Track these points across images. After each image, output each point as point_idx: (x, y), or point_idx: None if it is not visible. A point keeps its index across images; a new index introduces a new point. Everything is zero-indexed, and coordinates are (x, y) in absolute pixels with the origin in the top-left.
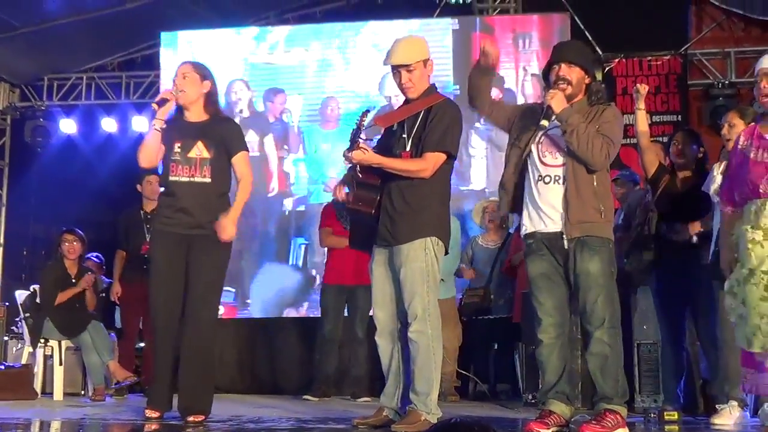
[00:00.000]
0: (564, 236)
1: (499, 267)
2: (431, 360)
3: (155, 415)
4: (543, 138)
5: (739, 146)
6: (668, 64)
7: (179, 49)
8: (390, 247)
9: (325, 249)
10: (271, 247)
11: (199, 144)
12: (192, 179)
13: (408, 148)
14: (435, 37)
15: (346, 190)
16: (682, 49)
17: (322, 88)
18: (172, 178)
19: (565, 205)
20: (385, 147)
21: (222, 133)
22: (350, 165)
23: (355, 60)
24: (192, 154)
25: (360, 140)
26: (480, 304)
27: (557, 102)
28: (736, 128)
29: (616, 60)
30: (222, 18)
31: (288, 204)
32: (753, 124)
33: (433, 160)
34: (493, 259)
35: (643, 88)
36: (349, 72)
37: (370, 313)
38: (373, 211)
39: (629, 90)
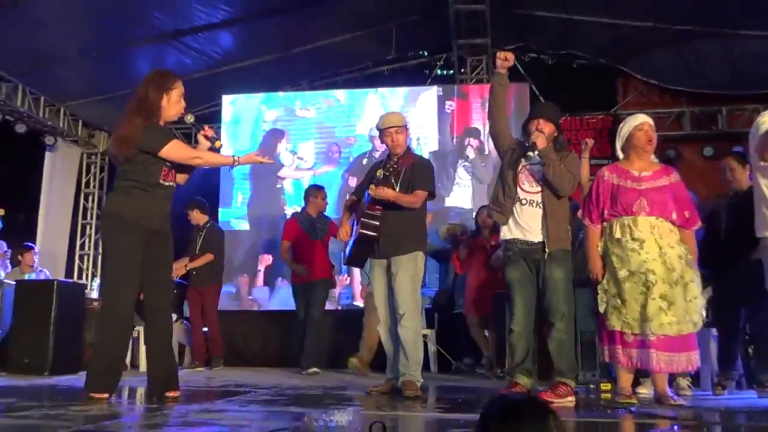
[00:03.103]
0: (546, 250)
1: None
2: (420, 342)
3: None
4: (523, 169)
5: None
6: (601, 122)
7: (234, 106)
8: (389, 258)
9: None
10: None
11: None
12: (173, 183)
13: (398, 190)
14: (425, 101)
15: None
16: (612, 110)
17: (333, 134)
18: (168, 183)
19: (545, 225)
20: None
21: None
22: (369, 198)
23: (364, 116)
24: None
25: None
26: (446, 301)
27: (541, 141)
28: (735, 171)
29: (562, 118)
30: (266, 83)
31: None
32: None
33: (422, 196)
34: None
35: (591, 142)
36: (358, 124)
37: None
38: (377, 235)
39: (573, 141)
